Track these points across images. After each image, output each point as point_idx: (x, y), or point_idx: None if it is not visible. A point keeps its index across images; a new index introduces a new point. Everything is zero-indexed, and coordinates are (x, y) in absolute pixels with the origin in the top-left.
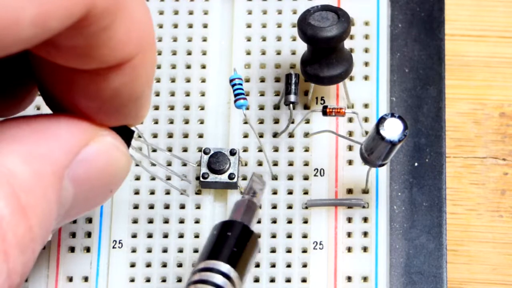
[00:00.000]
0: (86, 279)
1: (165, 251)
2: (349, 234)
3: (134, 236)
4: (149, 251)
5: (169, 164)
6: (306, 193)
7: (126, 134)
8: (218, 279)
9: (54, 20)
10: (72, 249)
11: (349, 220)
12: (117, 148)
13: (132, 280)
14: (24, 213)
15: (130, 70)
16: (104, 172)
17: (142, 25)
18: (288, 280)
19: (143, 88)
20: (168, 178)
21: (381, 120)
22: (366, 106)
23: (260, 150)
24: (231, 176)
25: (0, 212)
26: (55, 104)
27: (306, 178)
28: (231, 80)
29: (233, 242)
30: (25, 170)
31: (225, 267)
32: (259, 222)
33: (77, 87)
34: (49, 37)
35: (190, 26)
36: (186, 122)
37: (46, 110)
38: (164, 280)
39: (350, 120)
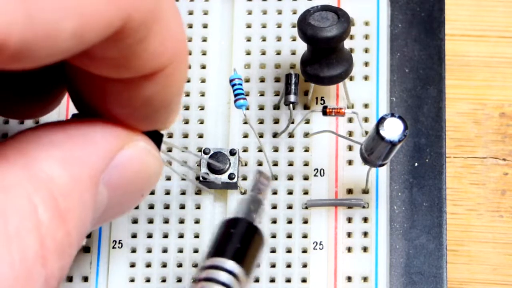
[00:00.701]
0: (86, 279)
1: (165, 251)
2: (349, 234)
3: (134, 236)
4: (149, 251)
5: (169, 163)
6: (306, 193)
7: (156, 138)
8: (223, 276)
9: (92, 32)
10: None
11: (349, 220)
12: (150, 153)
13: (132, 280)
14: (63, 218)
15: (163, 79)
16: (138, 177)
17: (177, 35)
18: (288, 280)
19: (175, 95)
20: (168, 178)
21: (381, 120)
22: (366, 106)
23: (260, 150)
24: (231, 176)
25: (40, 217)
26: (84, 108)
27: (306, 178)
28: (231, 80)
29: (238, 239)
30: (63, 175)
31: (229, 264)
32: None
33: (110, 94)
34: (85, 49)
35: (190, 26)
36: (186, 122)
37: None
38: (164, 280)
39: (350, 120)
